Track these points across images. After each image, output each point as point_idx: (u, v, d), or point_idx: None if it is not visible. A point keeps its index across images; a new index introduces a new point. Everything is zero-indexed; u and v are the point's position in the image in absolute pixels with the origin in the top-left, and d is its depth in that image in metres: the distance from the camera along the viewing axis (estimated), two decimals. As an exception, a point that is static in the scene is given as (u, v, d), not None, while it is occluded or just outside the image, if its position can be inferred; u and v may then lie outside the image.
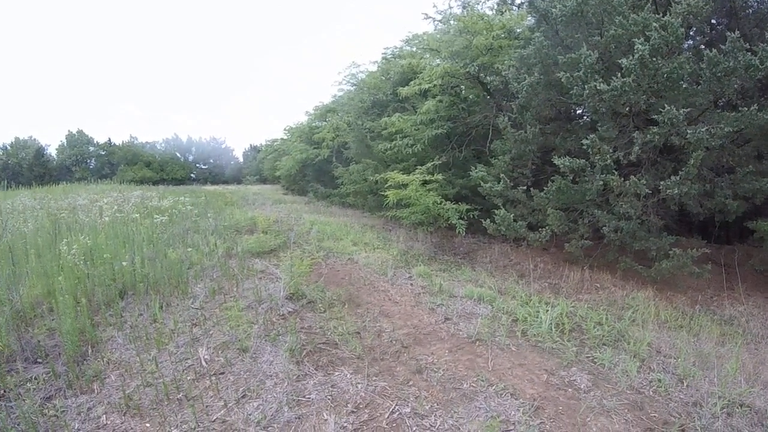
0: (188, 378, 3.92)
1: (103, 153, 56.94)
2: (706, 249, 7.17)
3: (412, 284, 7.21)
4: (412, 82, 11.73)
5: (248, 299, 5.90)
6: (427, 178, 10.16)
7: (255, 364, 4.18)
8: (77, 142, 56.31)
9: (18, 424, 3.25)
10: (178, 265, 6.53)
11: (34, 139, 55.68)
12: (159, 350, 4.43)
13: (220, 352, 4.40)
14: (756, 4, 8.04)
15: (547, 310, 5.80)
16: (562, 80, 7.55)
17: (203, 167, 59.00)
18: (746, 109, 6.09)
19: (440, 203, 9.92)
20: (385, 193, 10.40)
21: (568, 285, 7.64)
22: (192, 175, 56.15)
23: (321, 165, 21.28)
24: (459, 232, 9.41)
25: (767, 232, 6.93)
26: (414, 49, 15.25)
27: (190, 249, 7.55)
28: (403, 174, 10.59)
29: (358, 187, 14.92)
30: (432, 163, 10.65)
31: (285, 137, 31.71)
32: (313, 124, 24.36)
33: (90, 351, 4.37)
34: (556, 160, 7.57)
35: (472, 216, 9.92)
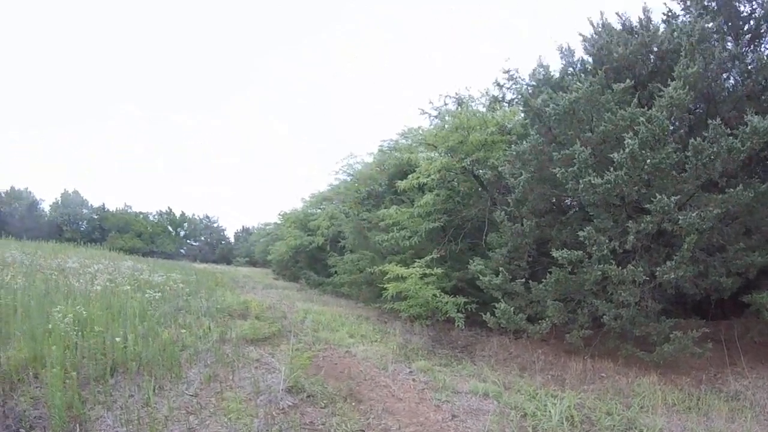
0: (185, 474, 3.71)
1: (95, 217, 56.51)
2: (705, 328, 7.20)
3: (414, 379, 7.02)
4: (410, 176, 12.02)
5: (245, 390, 5.70)
6: (426, 271, 10.22)
7: (258, 463, 3.99)
8: (71, 202, 55.84)
9: None
10: (171, 346, 6.33)
11: (30, 192, 55.20)
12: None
13: (218, 446, 4.20)
14: (731, 86, 8.47)
15: (555, 404, 5.68)
16: (558, 176, 7.78)
17: (194, 244, 58.79)
18: (732, 189, 6.33)
19: (439, 296, 9.94)
20: (385, 285, 10.47)
21: (572, 376, 7.50)
22: (182, 250, 55.70)
23: (314, 252, 21.33)
24: (458, 325, 9.46)
25: (762, 304, 6.93)
26: (409, 142, 15.51)
27: (184, 330, 7.37)
28: (401, 266, 10.68)
29: (353, 278, 14.87)
30: (430, 256, 10.75)
31: (278, 222, 31.87)
32: (308, 211, 24.73)
33: (78, 429, 4.13)
34: (555, 253, 7.66)
35: (469, 309, 9.93)
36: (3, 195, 53.16)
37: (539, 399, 6.05)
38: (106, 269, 13.19)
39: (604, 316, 7.53)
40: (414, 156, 12.67)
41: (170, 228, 58.87)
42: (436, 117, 14.57)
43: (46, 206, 55.91)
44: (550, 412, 5.47)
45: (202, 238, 59.99)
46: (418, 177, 11.72)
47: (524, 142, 9.01)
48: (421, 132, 14.72)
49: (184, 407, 4.97)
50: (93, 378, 5.18)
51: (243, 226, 60.54)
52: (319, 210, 23.62)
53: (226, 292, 14.11)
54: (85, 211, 57.01)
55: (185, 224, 59.76)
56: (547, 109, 8.45)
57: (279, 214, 32.19)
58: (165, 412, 4.78)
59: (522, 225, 8.88)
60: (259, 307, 11.16)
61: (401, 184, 12.11)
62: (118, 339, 5.80)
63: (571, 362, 8.09)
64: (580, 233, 7.43)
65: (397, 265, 10.93)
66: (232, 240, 60.74)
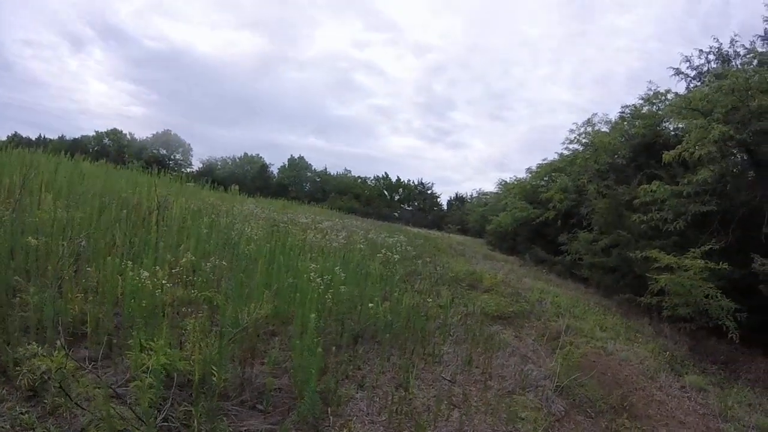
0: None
1: (318, 180, 63.18)
2: None
3: (688, 398, 5.83)
4: (678, 147, 9.98)
5: (508, 381, 4.87)
6: (708, 264, 8.24)
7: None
8: (297, 166, 63.23)
9: None
10: (418, 316, 5.65)
11: (260, 157, 64.01)
12: (418, 437, 3.42)
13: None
14: None
15: None
16: None
17: (407, 208, 60.84)
18: None
19: (714, 297, 7.98)
20: (654, 276, 8.79)
21: None
22: (395, 213, 57.54)
23: (539, 227, 19.68)
24: (731, 336, 7.62)
25: None
26: (656, 108, 13.96)
27: (429, 300, 6.70)
28: (665, 255, 8.88)
29: (595, 260, 12.98)
30: (708, 246, 8.70)
31: (498, 191, 30.74)
32: (534, 182, 23.08)
33: (329, 412, 3.49)
34: None
35: (738, 318, 7.88)
36: (237, 159, 62.89)
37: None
38: (334, 226, 13.40)
39: None
40: (691, 123, 10.50)
41: (386, 192, 61.94)
42: (693, 79, 13.03)
43: (274, 169, 64.04)
44: None
45: (416, 203, 61.78)
46: (688, 148, 9.63)
47: None
48: (670, 97, 13.25)
49: (445, 397, 4.16)
50: (336, 344, 4.60)
51: (456, 194, 61.19)
52: (544, 181, 22.04)
53: (450, 260, 13.56)
54: (308, 174, 63.99)
55: (400, 189, 62.09)
56: None
57: (498, 183, 31.23)
58: (424, 400, 4.05)
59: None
60: (491, 279, 10.27)
61: (667, 156, 10.15)
62: (371, 305, 5.17)
63: None
64: None
65: (658, 251, 9.13)
66: (444, 207, 61.41)
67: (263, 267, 5.59)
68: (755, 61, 11.36)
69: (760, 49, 11.51)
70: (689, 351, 8.33)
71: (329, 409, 3.52)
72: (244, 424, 3.15)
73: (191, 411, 3.00)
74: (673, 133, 13.63)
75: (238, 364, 3.71)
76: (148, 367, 2.85)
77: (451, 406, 4.02)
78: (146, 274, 3.86)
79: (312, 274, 5.21)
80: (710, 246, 8.72)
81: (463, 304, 7.45)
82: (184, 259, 4.87)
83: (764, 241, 8.57)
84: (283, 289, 5.09)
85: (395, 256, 8.72)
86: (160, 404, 2.92)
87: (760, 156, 9.39)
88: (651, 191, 10.61)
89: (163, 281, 4.01)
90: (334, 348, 4.44)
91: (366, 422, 3.49)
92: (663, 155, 10.44)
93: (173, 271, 4.62)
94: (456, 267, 11.58)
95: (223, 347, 3.31)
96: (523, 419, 4.01)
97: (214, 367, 3.22)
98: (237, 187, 15.10)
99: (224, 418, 3.14)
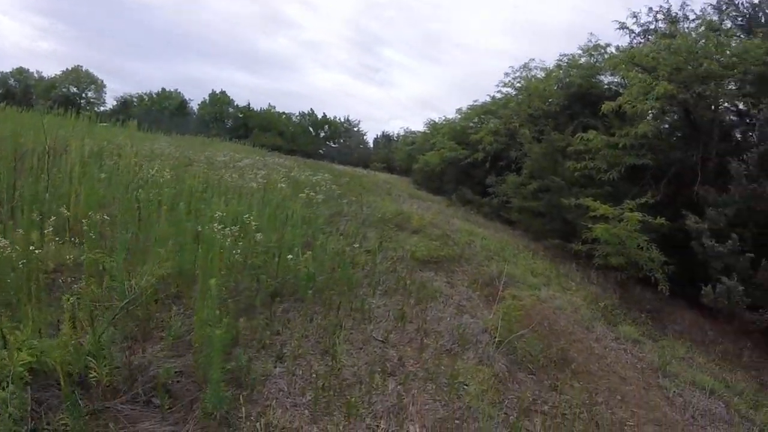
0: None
1: (240, 116, 59.59)
2: None
3: (625, 350, 5.76)
4: (620, 98, 10.12)
5: (444, 337, 4.40)
6: (644, 217, 8.26)
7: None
8: (219, 101, 59.33)
9: None
10: (344, 264, 5.00)
11: (179, 92, 59.68)
12: (349, 421, 2.81)
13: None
14: None
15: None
16: None
17: (333, 145, 59.63)
18: None
19: (647, 249, 8.08)
20: (589, 225, 8.81)
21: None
22: (321, 150, 56.40)
23: (467, 168, 19.55)
24: (661, 288, 7.82)
25: None
26: (594, 60, 14.31)
27: (356, 245, 6.04)
28: (605, 205, 8.84)
29: (527, 204, 12.81)
30: (644, 199, 8.69)
31: (426, 131, 30.36)
32: (464, 123, 22.72)
33: (241, 399, 2.72)
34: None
35: (666, 270, 8.10)
36: (154, 95, 58.36)
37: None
38: (255, 164, 12.55)
39: None
40: (631, 76, 10.51)
41: (311, 129, 60.41)
42: (637, 35, 12.84)
43: (194, 105, 60.10)
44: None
45: (342, 141, 60.70)
46: (629, 101, 9.69)
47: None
48: (610, 51, 13.80)
49: (379, 364, 3.58)
50: (250, 304, 3.90)
51: (383, 132, 60.69)
52: (473, 123, 21.80)
53: (376, 199, 13.10)
54: (231, 110, 60.25)
55: (326, 126, 60.56)
56: None
57: (427, 123, 30.78)
58: (354, 369, 3.45)
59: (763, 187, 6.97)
60: (419, 220, 9.88)
61: (606, 106, 10.19)
62: (290, 256, 4.41)
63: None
64: None
65: (591, 200, 9.16)
66: (371, 145, 60.69)
67: (167, 215, 4.74)
68: (702, 28, 11.36)
69: (713, 18, 11.44)
70: (619, 299, 8.40)
71: (242, 394, 2.77)
72: (136, 427, 2.36)
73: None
74: (607, 86, 13.98)
75: (129, 345, 2.85)
76: (10, 370, 2.08)
77: (386, 375, 3.46)
78: (5, 241, 2.93)
79: (216, 223, 4.28)
80: (646, 199, 8.71)
81: (391, 248, 6.96)
82: (53, 218, 3.80)
83: (695, 199, 8.74)
84: (188, 241, 4.22)
85: (319, 196, 7.99)
86: (34, 411, 2.17)
87: (698, 118, 9.56)
88: (586, 140, 10.64)
89: (31, 247, 3.09)
90: (246, 311, 3.74)
91: (288, 406, 2.82)
92: (602, 105, 10.45)
93: (46, 231, 3.59)
94: (383, 207, 11.05)
95: (105, 327, 2.48)
96: (466, 385, 3.55)
97: (90, 358, 2.40)
98: (136, 122, 13.60)
99: (110, 424, 2.33)
